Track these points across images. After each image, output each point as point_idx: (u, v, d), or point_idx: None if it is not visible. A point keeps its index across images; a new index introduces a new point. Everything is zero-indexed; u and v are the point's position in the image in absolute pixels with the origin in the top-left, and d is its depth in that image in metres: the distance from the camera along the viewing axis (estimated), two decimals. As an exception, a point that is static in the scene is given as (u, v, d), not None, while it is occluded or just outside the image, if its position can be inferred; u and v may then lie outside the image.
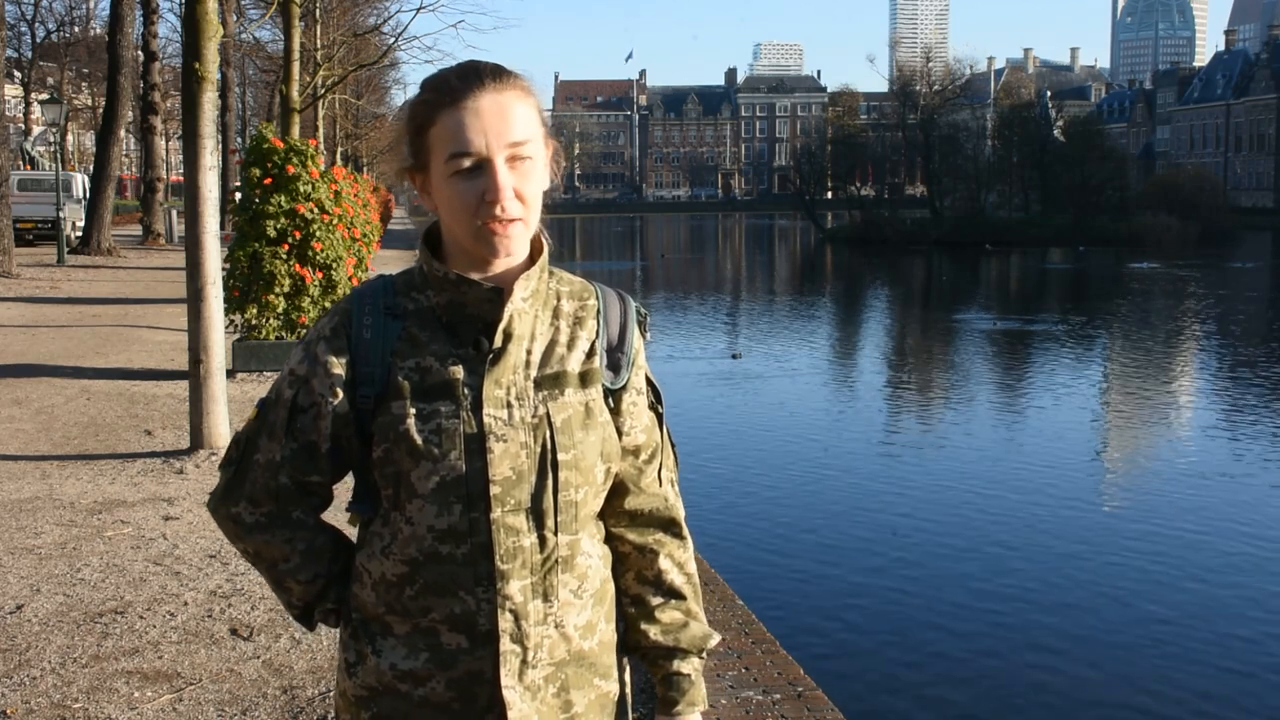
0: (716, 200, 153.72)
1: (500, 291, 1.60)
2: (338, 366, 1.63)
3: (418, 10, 21.17)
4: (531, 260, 1.66)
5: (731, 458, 12.22)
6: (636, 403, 1.72)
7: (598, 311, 1.70)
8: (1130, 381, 18.68)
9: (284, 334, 11.78)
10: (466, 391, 1.59)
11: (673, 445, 1.80)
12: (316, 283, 11.63)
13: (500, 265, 1.62)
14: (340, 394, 1.62)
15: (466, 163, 1.56)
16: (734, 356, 20.28)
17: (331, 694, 4.19)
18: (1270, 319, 28.58)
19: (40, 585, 5.38)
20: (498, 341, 1.61)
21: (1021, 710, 6.55)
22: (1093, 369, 20.41)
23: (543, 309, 1.66)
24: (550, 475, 1.60)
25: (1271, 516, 10.37)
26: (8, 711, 4.03)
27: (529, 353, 1.63)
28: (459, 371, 1.60)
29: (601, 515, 1.73)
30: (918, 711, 6.52)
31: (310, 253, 11.54)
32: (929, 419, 15.55)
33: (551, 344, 1.65)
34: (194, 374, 8.18)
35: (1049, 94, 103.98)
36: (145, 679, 4.33)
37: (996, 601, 8.14)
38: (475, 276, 1.61)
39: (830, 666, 6.55)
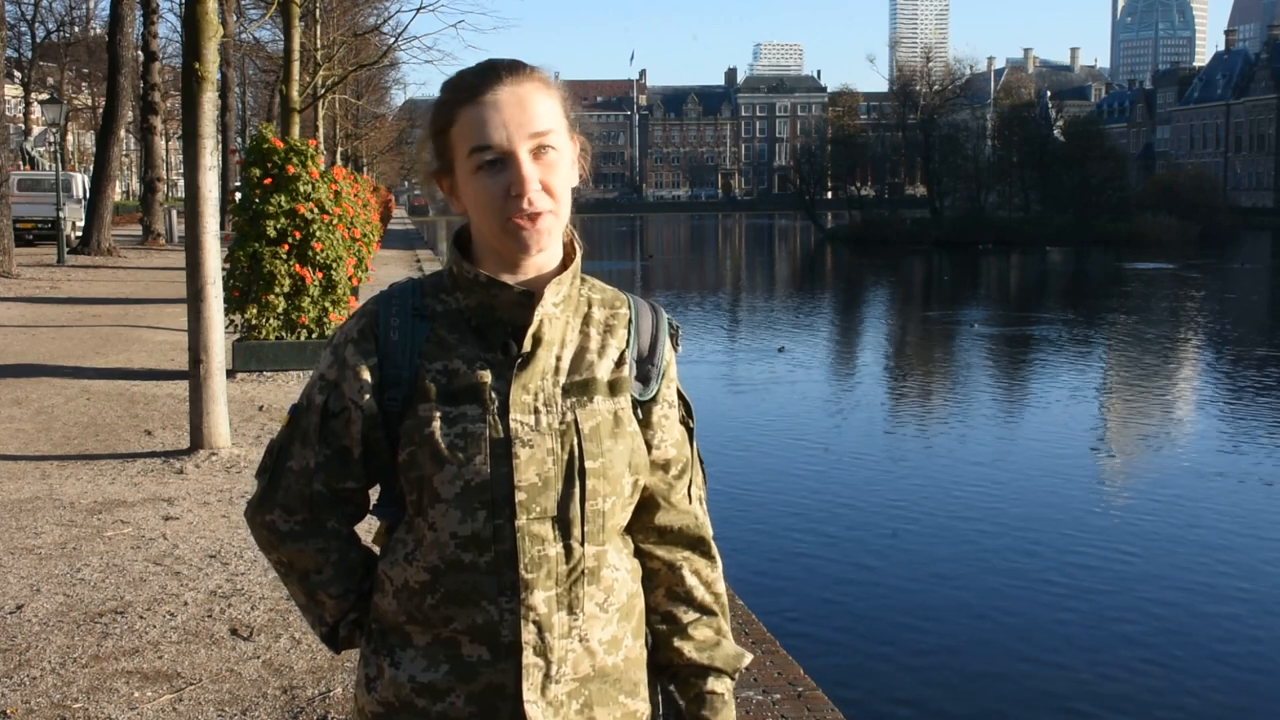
0: (716, 200, 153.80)
1: (531, 295, 1.58)
2: (366, 369, 1.60)
3: (418, 10, 21.23)
4: (564, 265, 1.63)
5: (731, 457, 12.21)
6: (668, 416, 1.69)
7: (629, 321, 1.67)
8: (1127, 382, 18.67)
9: (284, 334, 11.77)
10: (494, 396, 1.56)
11: (701, 462, 1.76)
12: (316, 283, 11.63)
13: (532, 264, 1.60)
14: (370, 397, 1.60)
15: (488, 156, 1.54)
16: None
17: (332, 694, 4.19)
18: (1268, 320, 28.57)
19: (40, 585, 5.38)
20: (527, 346, 1.58)
21: (1022, 710, 6.55)
22: (1090, 370, 20.40)
23: (573, 315, 1.63)
24: (577, 483, 1.57)
25: (1267, 515, 10.37)
26: (8, 711, 4.03)
27: (558, 359, 1.60)
28: (486, 375, 1.57)
29: (630, 530, 1.69)
30: (918, 712, 6.52)
31: (310, 253, 11.53)
32: (930, 420, 15.55)
33: (581, 350, 1.62)
34: (194, 374, 8.17)
35: (1049, 94, 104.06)
36: (145, 679, 4.33)
37: (997, 602, 8.14)
38: (506, 279, 1.59)
39: (830, 666, 6.54)
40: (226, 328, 9.42)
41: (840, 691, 5.21)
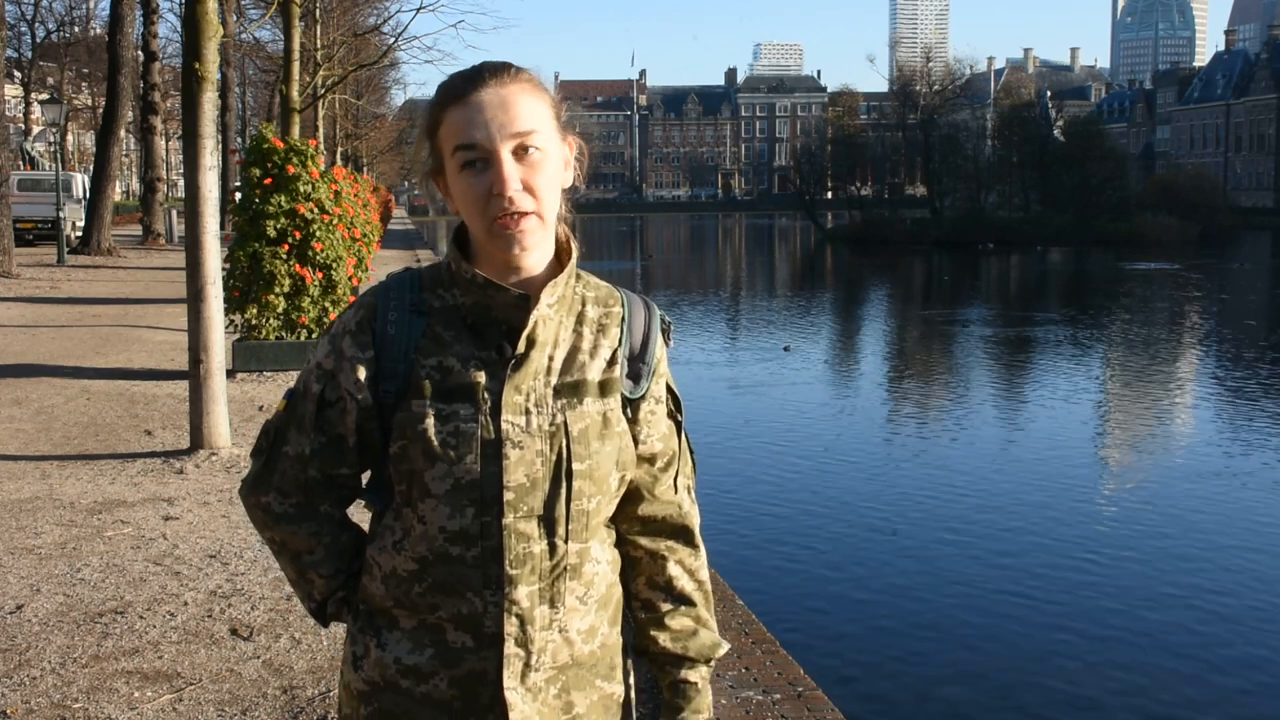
0: (716, 200, 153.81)
1: (528, 298, 1.60)
2: (363, 361, 1.63)
3: (418, 10, 21.26)
4: (560, 265, 1.66)
5: (731, 456, 12.22)
6: (655, 411, 1.72)
7: (622, 319, 1.70)
8: (1126, 383, 18.68)
9: (284, 334, 11.77)
10: (487, 396, 1.59)
11: (691, 452, 1.79)
12: (316, 283, 11.63)
13: (524, 265, 1.61)
14: (365, 390, 1.63)
15: (471, 155, 1.56)
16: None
17: (332, 694, 4.19)
18: (1266, 321, 28.57)
19: (40, 585, 5.38)
20: (520, 347, 1.60)
21: (1021, 709, 6.55)
22: (1090, 370, 20.40)
23: (567, 315, 1.66)
24: (564, 484, 1.60)
25: (1266, 515, 10.37)
26: (8, 711, 4.03)
27: (551, 359, 1.63)
28: (480, 375, 1.60)
29: (614, 520, 1.73)
30: (918, 712, 6.52)
31: (310, 253, 11.53)
32: (930, 419, 15.54)
33: (573, 351, 1.65)
34: (194, 374, 8.17)
35: (1049, 94, 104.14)
36: (145, 679, 4.33)
37: (996, 601, 8.14)
38: (502, 280, 1.61)
39: (830, 666, 6.55)
40: (226, 328, 9.42)
41: (840, 691, 5.21)
